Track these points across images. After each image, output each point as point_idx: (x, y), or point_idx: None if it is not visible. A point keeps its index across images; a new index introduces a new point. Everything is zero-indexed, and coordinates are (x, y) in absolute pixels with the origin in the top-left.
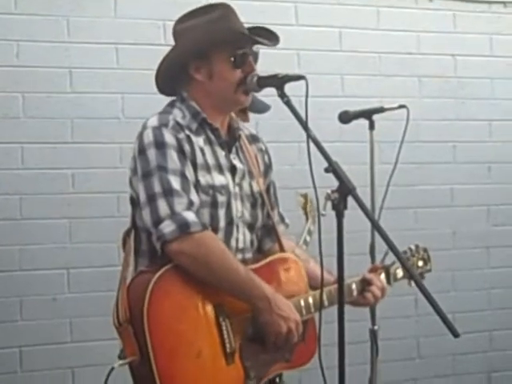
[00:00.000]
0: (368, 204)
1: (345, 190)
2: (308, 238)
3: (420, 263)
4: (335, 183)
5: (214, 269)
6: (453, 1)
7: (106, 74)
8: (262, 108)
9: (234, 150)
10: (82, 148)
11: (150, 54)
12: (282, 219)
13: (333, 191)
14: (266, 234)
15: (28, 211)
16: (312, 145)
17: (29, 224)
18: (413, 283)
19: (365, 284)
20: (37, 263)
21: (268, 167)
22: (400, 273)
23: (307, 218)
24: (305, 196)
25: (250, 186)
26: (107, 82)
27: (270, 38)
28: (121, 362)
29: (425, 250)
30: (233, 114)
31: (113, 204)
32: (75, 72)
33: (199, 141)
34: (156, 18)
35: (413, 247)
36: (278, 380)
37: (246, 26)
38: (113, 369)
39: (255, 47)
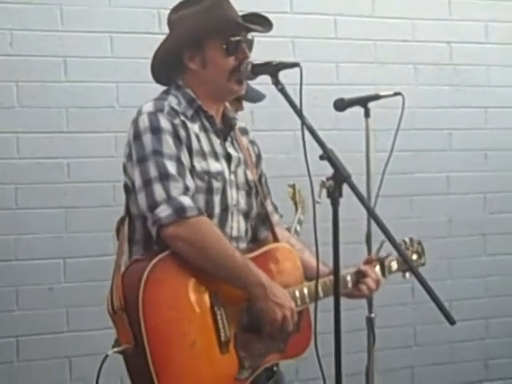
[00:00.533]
0: (364, 192)
1: (340, 177)
2: (298, 228)
3: (414, 257)
4: (330, 171)
5: (210, 254)
6: None
7: (100, 63)
8: (256, 97)
9: (229, 138)
10: (77, 137)
11: (145, 42)
12: (276, 209)
13: (328, 178)
14: (261, 222)
15: (24, 201)
16: (307, 133)
17: (24, 214)
18: (407, 275)
19: (359, 276)
20: (33, 253)
21: (258, 158)
22: (395, 265)
23: (296, 209)
24: (293, 186)
25: (245, 174)
26: (102, 71)
27: (264, 24)
28: (115, 349)
29: (419, 243)
30: (227, 104)
31: (108, 193)
32: (70, 61)
33: (194, 127)
34: (151, 7)
35: (407, 240)
36: (275, 369)
37: (240, 13)
38: (107, 356)
39: (250, 35)
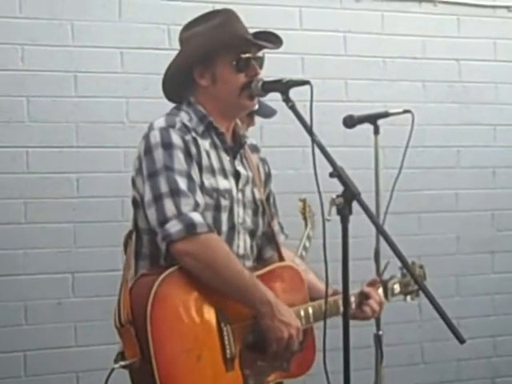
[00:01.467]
0: (373, 209)
1: (349, 194)
2: (307, 244)
3: None
4: (340, 188)
5: (219, 271)
6: (457, 5)
7: (110, 79)
8: (268, 112)
9: (238, 156)
10: (87, 152)
11: (155, 58)
12: (282, 229)
13: (338, 196)
14: (267, 242)
15: (33, 215)
16: (317, 149)
17: (33, 228)
18: (409, 298)
19: (363, 297)
20: (41, 267)
21: (268, 177)
22: (397, 288)
23: (306, 224)
24: (303, 201)
25: (253, 192)
26: (112, 87)
27: (274, 41)
28: (122, 362)
29: (421, 267)
30: (238, 122)
31: (117, 208)
32: (80, 76)
33: (205, 144)
34: (160, 22)
35: (409, 263)
36: None
37: (251, 30)
38: (113, 370)
39: (261, 52)
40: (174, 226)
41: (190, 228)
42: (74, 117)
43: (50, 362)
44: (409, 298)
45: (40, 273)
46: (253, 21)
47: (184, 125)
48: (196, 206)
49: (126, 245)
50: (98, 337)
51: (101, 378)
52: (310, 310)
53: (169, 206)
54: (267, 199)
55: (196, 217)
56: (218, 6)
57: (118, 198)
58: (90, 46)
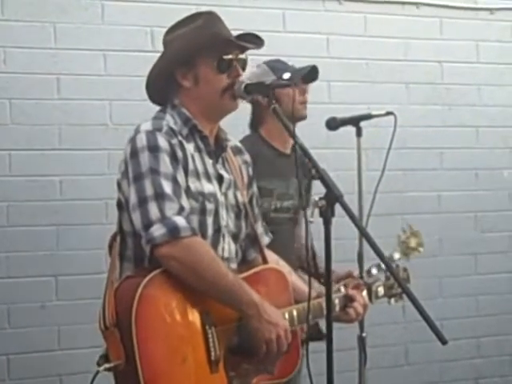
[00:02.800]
0: (355, 211)
1: (332, 197)
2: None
3: None
4: (323, 190)
5: (203, 274)
6: (439, 8)
7: (93, 81)
8: (304, 72)
9: (220, 159)
10: (70, 155)
11: (138, 60)
12: (266, 231)
13: (320, 198)
14: (250, 244)
15: (16, 218)
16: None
17: (16, 231)
18: (393, 301)
19: (347, 300)
20: (25, 270)
21: (251, 179)
22: (381, 291)
23: (398, 246)
24: (410, 228)
25: (235, 196)
26: (95, 89)
27: (255, 42)
28: (106, 365)
29: (405, 270)
30: (220, 125)
31: (101, 211)
32: (63, 78)
33: (190, 147)
34: (144, 25)
35: (393, 266)
36: None
37: (234, 32)
38: (97, 373)
39: (244, 54)
40: (157, 230)
41: (174, 232)
42: (57, 119)
43: (34, 366)
44: (393, 300)
45: (23, 276)
46: (237, 23)
47: (170, 128)
48: (180, 210)
49: (110, 247)
50: (82, 340)
51: (84, 381)
52: (295, 313)
53: (153, 210)
54: (250, 201)
55: (180, 221)
56: (202, 9)
57: (102, 201)
58: (73, 48)
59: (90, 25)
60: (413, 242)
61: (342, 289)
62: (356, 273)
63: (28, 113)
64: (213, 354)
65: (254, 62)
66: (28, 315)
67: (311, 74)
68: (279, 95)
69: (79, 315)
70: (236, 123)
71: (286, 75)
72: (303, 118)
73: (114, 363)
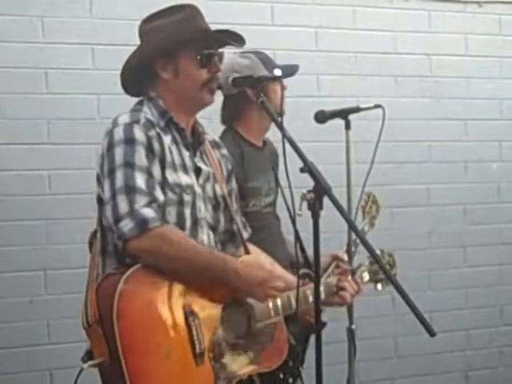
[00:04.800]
0: (344, 204)
1: (320, 190)
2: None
3: None
4: (311, 183)
5: (180, 258)
6: (428, 1)
7: (81, 75)
8: (292, 70)
9: (198, 152)
10: (58, 149)
11: (126, 54)
12: (245, 226)
13: (308, 191)
14: (229, 239)
15: (4, 212)
16: (288, 145)
17: (5, 225)
18: (379, 286)
19: (336, 288)
20: (13, 265)
21: (230, 173)
22: (366, 276)
23: (364, 218)
24: (369, 196)
25: (214, 188)
26: (83, 83)
27: (237, 39)
28: (90, 362)
29: (390, 255)
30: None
31: (89, 205)
32: (51, 73)
33: (167, 139)
34: (132, 19)
35: (378, 252)
36: (254, 378)
37: (222, 26)
38: (82, 370)
39: (220, 49)
40: (126, 225)
41: (142, 224)
42: (45, 113)
43: (23, 360)
44: (379, 285)
45: (11, 270)
46: (224, 17)
47: (148, 120)
48: (151, 202)
49: (91, 244)
50: (71, 334)
51: (74, 375)
52: (279, 302)
53: (122, 204)
54: (229, 195)
55: (148, 212)
56: (190, 2)
57: (90, 195)
58: (61, 42)
59: (77, 18)
60: (374, 210)
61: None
62: (340, 253)
63: (16, 107)
64: (197, 346)
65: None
66: (17, 310)
67: (293, 71)
68: (267, 91)
69: (68, 309)
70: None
71: (278, 71)
72: (283, 113)
73: (97, 360)
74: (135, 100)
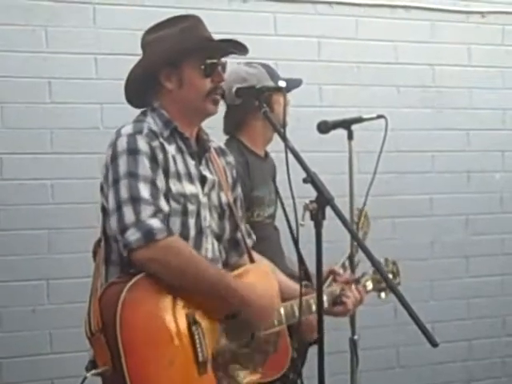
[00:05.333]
0: (347, 214)
1: (323, 200)
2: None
3: (389, 277)
4: (314, 193)
5: (184, 272)
6: (431, 11)
7: (85, 85)
8: (296, 84)
9: (203, 161)
10: (62, 158)
11: (129, 64)
12: (249, 234)
13: (311, 201)
14: (232, 247)
15: (7, 222)
16: (290, 155)
17: (8, 235)
18: (383, 295)
19: (339, 297)
20: (16, 274)
21: (235, 181)
22: (370, 285)
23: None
24: (360, 211)
25: (219, 197)
26: (86, 92)
27: (240, 48)
28: (93, 371)
29: (394, 263)
30: (202, 126)
31: (92, 214)
32: (54, 82)
33: (171, 149)
34: (135, 29)
35: (382, 260)
36: None
37: (225, 36)
38: (85, 378)
39: (223, 59)
40: (132, 235)
41: (148, 235)
42: (48, 123)
43: (25, 370)
44: (383, 294)
45: (14, 280)
46: (227, 27)
47: (151, 130)
48: (157, 212)
49: (95, 253)
50: (73, 343)
51: None
52: (282, 311)
53: (128, 214)
54: (234, 203)
55: (154, 223)
56: (193, 12)
57: (93, 204)
58: (64, 52)
59: (81, 28)
60: (366, 225)
61: (338, 291)
62: (336, 267)
63: (19, 116)
64: (200, 355)
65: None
66: (19, 319)
67: (296, 84)
68: (270, 102)
69: (70, 319)
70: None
71: (282, 83)
72: (285, 125)
73: (100, 369)
74: (138, 110)
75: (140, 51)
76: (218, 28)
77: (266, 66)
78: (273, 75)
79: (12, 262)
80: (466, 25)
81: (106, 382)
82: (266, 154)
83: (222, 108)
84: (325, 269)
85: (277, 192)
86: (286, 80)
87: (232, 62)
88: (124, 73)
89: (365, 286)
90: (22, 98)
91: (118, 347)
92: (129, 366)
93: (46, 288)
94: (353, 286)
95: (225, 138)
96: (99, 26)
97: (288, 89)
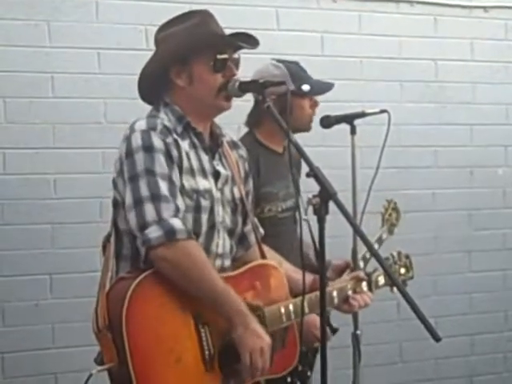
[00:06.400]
0: (349, 208)
1: (326, 195)
2: (376, 246)
3: (402, 270)
4: (317, 188)
5: (194, 278)
6: (434, 6)
7: (87, 79)
8: (325, 88)
9: (216, 155)
10: (64, 153)
11: (132, 58)
12: (257, 227)
13: (314, 196)
14: (239, 241)
15: (10, 217)
16: (294, 150)
17: (11, 229)
18: (395, 289)
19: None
20: (19, 269)
21: (247, 175)
22: (381, 280)
23: (382, 225)
24: (389, 202)
25: (232, 191)
26: (89, 87)
27: (250, 42)
28: (99, 368)
29: (407, 257)
30: (215, 120)
31: (95, 209)
32: (57, 77)
33: (185, 145)
34: (138, 23)
35: (395, 254)
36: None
37: (227, 31)
38: (91, 375)
39: (236, 54)
40: (154, 232)
41: (170, 234)
42: (51, 118)
43: (28, 364)
44: (395, 288)
45: (17, 274)
46: (229, 21)
47: (165, 126)
48: (177, 212)
49: (104, 248)
50: (76, 338)
51: (79, 380)
52: (291, 307)
53: (149, 211)
54: (246, 196)
55: (176, 223)
56: (196, 7)
57: (97, 199)
58: (67, 46)
59: (83, 23)
60: (394, 218)
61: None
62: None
63: (22, 111)
64: (207, 352)
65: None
66: (22, 313)
67: (325, 89)
68: (292, 106)
69: (73, 313)
70: (231, 121)
71: (306, 87)
72: (307, 130)
73: (107, 365)
74: (141, 104)
75: (143, 46)
76: (221, 23)
77: (293, 67)
78: (297, 77)
79: (15, 257)
80: (469, 19)
81: (113, 379)
82: (285, 149)
83: (235, 103)
84: (340, 261)
85: (297, 186)
86: (315, 82)
87: (260, 59)
88: (127, 67)
89: (377, 282)
90: (24, 93)
91: (124, 344)
92: (134, 363)
93: (50, 282)
94: (364, 288)
95: (238, 132)
96: (102, 21)
97: (312, 93)
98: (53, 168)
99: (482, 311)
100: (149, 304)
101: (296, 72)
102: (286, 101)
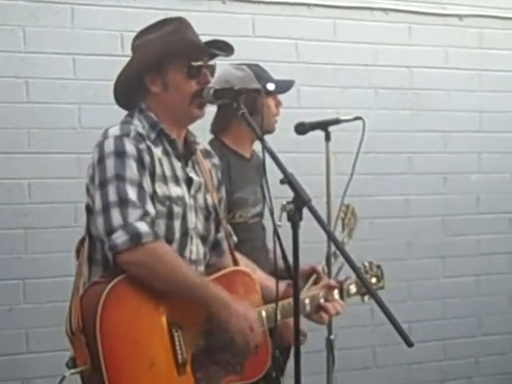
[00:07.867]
0: (324, 215)
1: (300, 201)
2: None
3: (373, 280)
4: (291, 194)
5: (167, 277)
6: (408, 14)
7: (62, 85)
8: (287, 85)
9: (190, 162)
10: (39, 158)
11: (108, 64)
12: (231, 235)
13: (288, 202)
14: (212, 248)
15: None
16: (268, 156)
17: None
18: (366, 298)
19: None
20: None
21: (220, 182)
22: (353, 288)
23: (343, 230)
24: (347, 207)
25: (205, 198)
26: (64, 93)
27: (225, 49)
28: (72, 370)
29: (378, 267)
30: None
31: (70, 214)
32: (32, 82)
33: (157, 151)
34: (113, 29)
35: (366, 264)
36: None
37: (204, 38)
38: (64, 377)
39: (212, 61)
40: (119, 237)
41: (135, 238)
42: (25, 122)
43: (1, 369)
44: (366, 297)
45: None
46: (206, 28)
47: (138, 133)
48: (144, 216)
49: (78, 252)
50: (50, 343)
51: None
52: (264, 314)
53: (115, 216)
54: (219, 204)
55: (142, 226)
56: (171, 14)
57: (71, 204)
58: (42, 52)
59: (59, 29)
60: (352, 222)
61: (321, 294)
62: (319, 267)
63: None
64: (180, 356)
65: (227, 64)
66: None
67: (287, 86)
68: (258, 106)
69: (47, 318)
70: (206, 127)
71: (271, 86)
72: (273, 131)
73: (80, 368)
74: (116, 110)
75: (118, 52)
76: (197, 30)
77: (255, 68)
78: (261, 77)
79: None
80: (444, 27)
81: (86, 381)
82: (252, 154)
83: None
84: (306, 267)
85: (263, 191)
86: (277, 81)
87: (222, 64)
88: (102, 73)
89: (348, 290)
90: None
91: (98, 347)
92: (107, 367)
93: (23, 287)
94: (336, 296)
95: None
96: (77, 26)
97: (277, 91)
98: (27, 173)
99: (454, 316)
100: (123, 308)
101: (259, 73)
102: (253, 102)
